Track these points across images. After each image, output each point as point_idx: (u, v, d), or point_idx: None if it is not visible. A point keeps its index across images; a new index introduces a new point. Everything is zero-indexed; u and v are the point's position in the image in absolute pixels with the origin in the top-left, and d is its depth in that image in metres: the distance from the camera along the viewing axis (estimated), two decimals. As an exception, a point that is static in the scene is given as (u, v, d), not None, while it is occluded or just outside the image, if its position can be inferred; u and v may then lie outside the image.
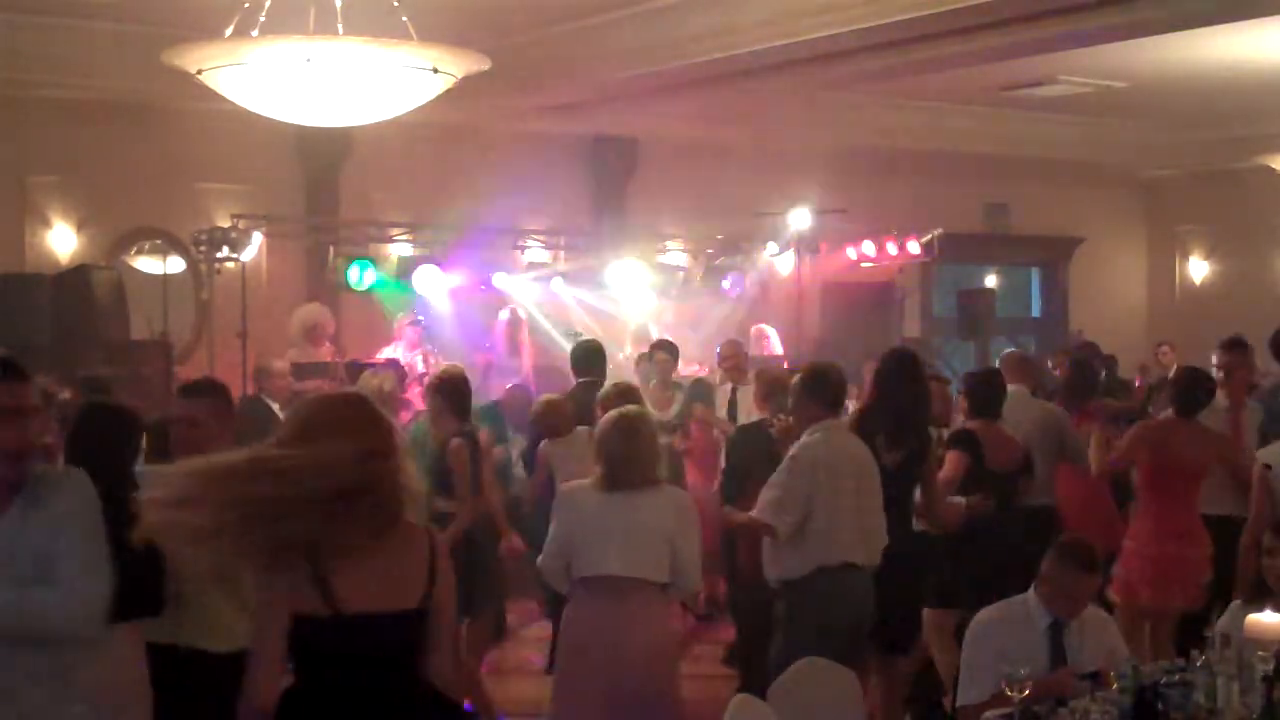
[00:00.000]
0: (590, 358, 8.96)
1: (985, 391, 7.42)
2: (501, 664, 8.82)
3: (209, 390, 5.13)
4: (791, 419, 6.49)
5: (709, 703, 7.56)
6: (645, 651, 5.26)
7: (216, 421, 4.91)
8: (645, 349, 11.07)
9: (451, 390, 7.26)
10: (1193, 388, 7.44)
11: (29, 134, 11.43)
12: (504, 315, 12.38)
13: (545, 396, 8.55)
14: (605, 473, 5.39)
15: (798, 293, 14.22)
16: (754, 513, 6.10)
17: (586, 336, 11.97)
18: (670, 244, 14.12)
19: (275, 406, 9.52)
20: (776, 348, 12.87)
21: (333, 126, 9.76)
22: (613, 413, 5.58)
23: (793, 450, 6.12)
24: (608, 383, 8.29)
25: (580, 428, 7.92)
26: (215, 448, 4.32)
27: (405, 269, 12.28)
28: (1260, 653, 4.29)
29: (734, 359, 10.44)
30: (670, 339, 10.81)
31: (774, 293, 14.25)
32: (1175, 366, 11.22)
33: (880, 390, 6.61)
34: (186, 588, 4.51)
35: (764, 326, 13.06)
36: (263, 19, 7.78)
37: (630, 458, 5.36)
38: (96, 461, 4.42)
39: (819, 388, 6.22)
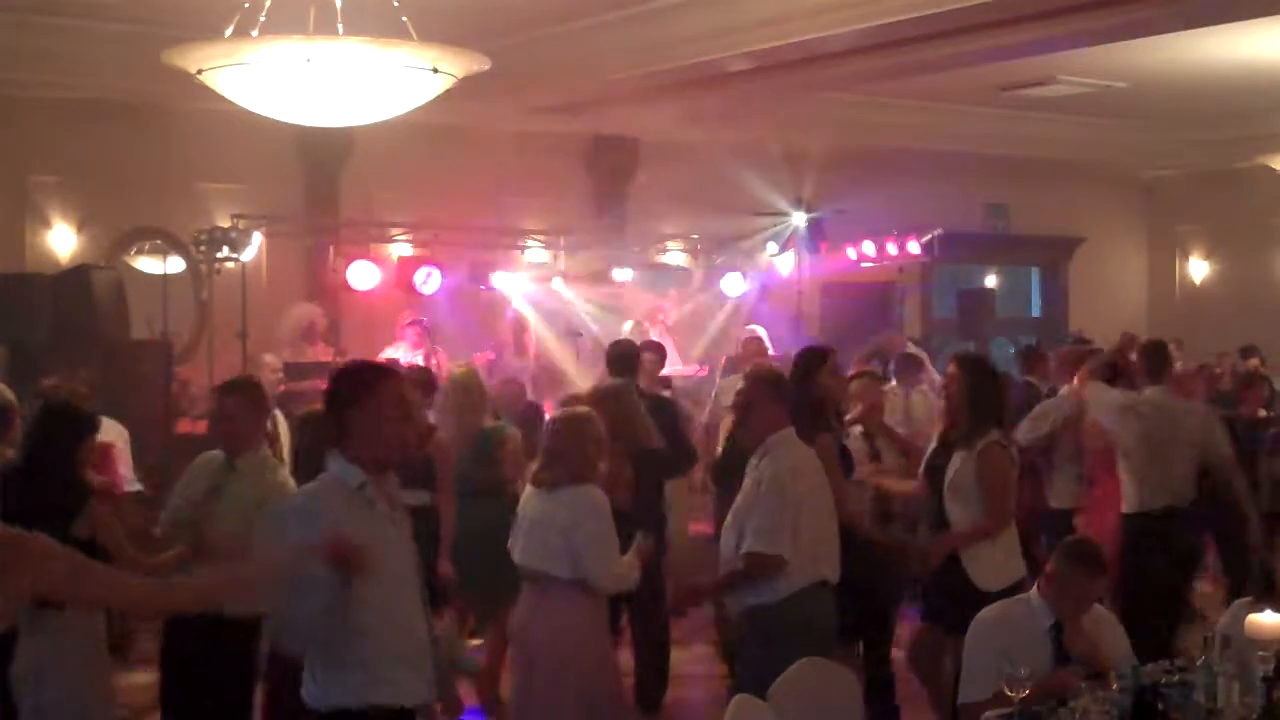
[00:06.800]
0: (627, 359, 8.78)
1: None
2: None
3: (244, 388, 5.90)
4: (739, 420, 6.14)
5: (709, 703, 7.59)
6: (544, 640, 5.51)
7: (250, 417, 5.71)
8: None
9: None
10: None
11: (29, 134, 11.44)
12: (509, 315, 12.35)
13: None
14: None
15: (798, 293, 14.23)
16: (748, 548, 5.61)
17: (591, 334, 11.98)
18: (670, 244, 14.12)
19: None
20: (768, 349, 12.81)
21: (333, 126, 9.74)
22: (556, 411, 5.75)
23: (773, 468, 5.68)
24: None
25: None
26: (249, 443, 5.64)
27: (405, 269, 12.29)
28: (1260, 653, 4.29)
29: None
30: (658, 340, 10.73)
31: (774, 293, 14.25)
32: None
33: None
34: None
35: (754, 327, 13.02)
36: (263, 19, 7.77)
37: (553, 456, 5.58)
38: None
39: (784, 391, 5.93)
